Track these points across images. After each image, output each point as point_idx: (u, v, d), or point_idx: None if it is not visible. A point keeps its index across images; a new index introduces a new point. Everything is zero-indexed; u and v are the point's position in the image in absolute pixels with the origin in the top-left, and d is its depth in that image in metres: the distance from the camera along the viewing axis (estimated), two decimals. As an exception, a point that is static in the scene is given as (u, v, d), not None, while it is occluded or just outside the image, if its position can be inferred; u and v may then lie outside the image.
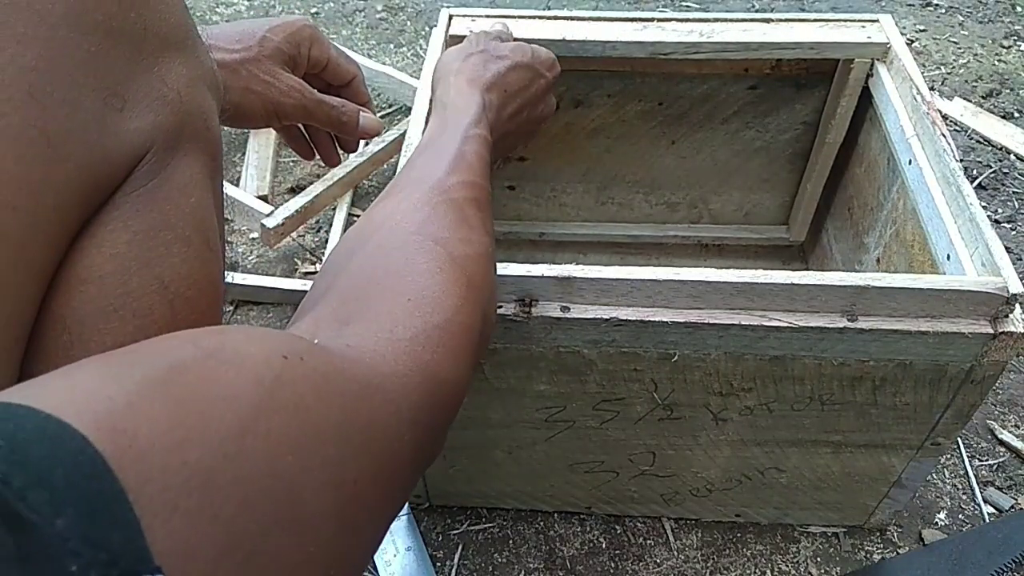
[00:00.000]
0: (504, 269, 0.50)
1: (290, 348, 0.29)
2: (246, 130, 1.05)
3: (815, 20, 0.68)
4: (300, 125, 0.76)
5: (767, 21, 0.68)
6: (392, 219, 0.43)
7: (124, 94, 0.31)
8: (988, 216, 0.52)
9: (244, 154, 1.02)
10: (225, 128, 1.08)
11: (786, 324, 0.49)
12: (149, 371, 0.24)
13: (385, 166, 1.00)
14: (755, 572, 0.66)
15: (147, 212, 0.32)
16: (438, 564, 0.66)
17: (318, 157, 0.78)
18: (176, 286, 0.33)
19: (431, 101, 0.59)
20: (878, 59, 0.67)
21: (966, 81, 1.17)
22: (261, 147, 1.03)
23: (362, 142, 1.03)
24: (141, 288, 0.32)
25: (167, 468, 0.21)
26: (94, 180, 0.31)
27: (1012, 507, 0.69)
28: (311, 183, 0.92)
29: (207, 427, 0.23)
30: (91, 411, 0.21)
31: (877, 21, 0.68)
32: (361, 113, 0.72)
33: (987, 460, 0.73)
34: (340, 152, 0.79)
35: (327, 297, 0.39)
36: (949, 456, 0.73)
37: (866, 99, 0.70)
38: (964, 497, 0.70)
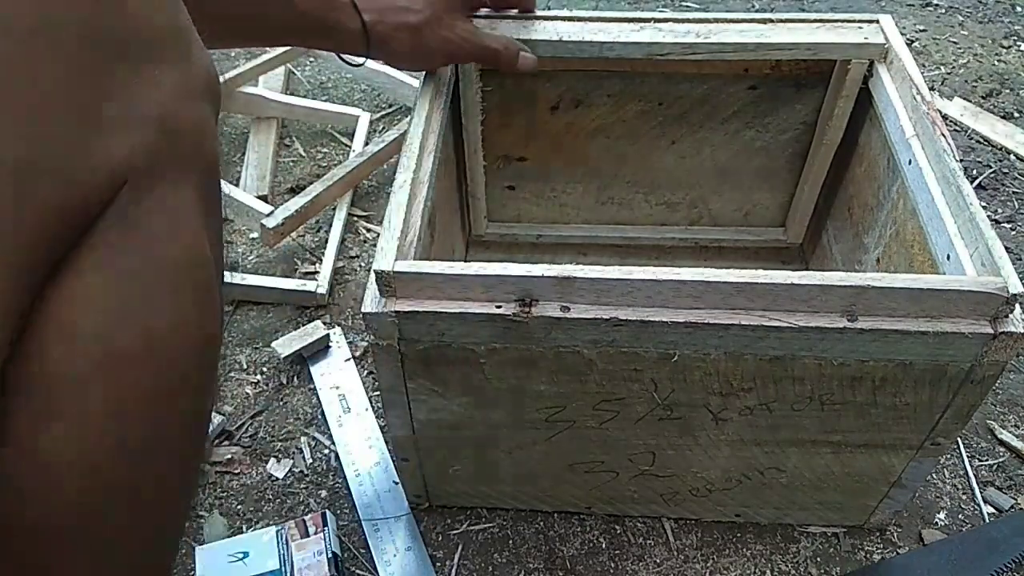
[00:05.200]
0: (504, 269, 0.50)
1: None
2: (246, 130, 1.06)
3: (814, 21, 0.68)
4: None
5: (764, 22, 0.68)
6: None
7: (99, 114, 0.28)
8: (988, 216, 0.51)
9: (244, 154, 1.02)
10: (225, 128, 1.08)
11: (786, 324, 0.49)
12: None
13: (385, 166, 1.00)
14: (755, 572, 0.66)
15: (130, 252, 0.29)
16: (438, 564, 0.66)
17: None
18: (164, 341, 0.30)
19: None
20: (877, 60, 0.67)
21: (966, 81, 1.17)
22: (261, 147, 1.03)
23: (360, 142, 1.03)
24: (125, 345, 0.29)
25: None
26: (63, 215, 0.27)
27: (1012, 507, 0.69)
28: (311, 183, 0.92)
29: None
30: None
31: (876, 22, 0.68)
32: (521, 54, 0.70)
33: (987, 460, 0.73)
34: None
35: None
36: (949, 456, 0.73)
37: (866, 99, 0.70)
38: (964, 497, 0.70)
